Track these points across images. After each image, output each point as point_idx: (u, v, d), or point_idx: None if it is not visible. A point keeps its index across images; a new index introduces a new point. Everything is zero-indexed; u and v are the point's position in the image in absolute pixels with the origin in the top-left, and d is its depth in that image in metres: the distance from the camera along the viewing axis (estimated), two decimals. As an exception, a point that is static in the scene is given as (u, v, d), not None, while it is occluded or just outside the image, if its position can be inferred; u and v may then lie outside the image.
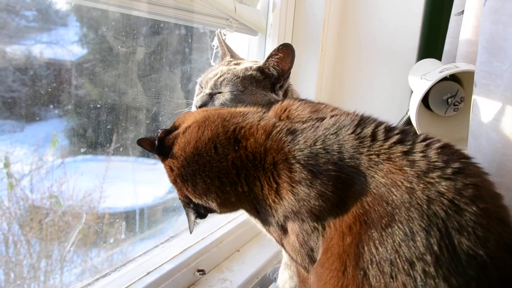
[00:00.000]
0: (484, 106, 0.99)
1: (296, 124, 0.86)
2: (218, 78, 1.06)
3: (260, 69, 1.07)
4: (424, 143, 0.76)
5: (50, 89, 1.07)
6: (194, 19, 1.27)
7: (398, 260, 0.68)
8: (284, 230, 0.86)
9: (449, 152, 0.74)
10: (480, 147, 1.00)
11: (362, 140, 0.78)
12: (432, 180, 0.70)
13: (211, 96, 1.06)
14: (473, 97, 1.03)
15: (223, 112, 0.93)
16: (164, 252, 1.22)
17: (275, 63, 1.05)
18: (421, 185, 0.70)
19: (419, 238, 0.67)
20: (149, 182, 1.39)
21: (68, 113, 1.13)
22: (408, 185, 0.71)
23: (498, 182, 0.92)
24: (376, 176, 0.74)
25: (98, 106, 1.17)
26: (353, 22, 1.80)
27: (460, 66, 1.27)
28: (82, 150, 1.17)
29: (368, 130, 0.79)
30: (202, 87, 1.10)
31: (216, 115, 0.92)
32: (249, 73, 1.06)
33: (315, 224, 0.79)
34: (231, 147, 0.86)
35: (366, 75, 1.81)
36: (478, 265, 0.66)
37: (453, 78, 1.39)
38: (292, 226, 0.83)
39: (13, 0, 0.93)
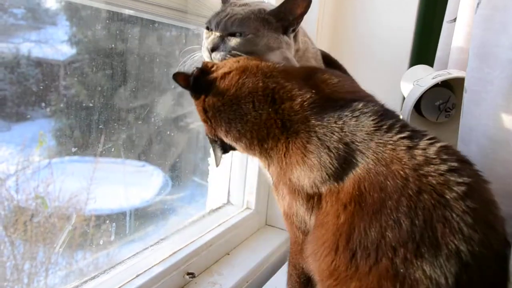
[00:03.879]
0: (474, 112, 0.99)
1: (329, 102, 0.88)
2: (229, 18, 1.01)
3: (274, 13, 1.03)
4: (428, 142, 0.78)
5: (38, 89, 1.05)
6: (187, 19, 1.26)
7: (383, 244, 0.70)
8: (283, 191, 0.90)
9: (450, 152, 0.77)
10: (470, 153, 1.00)
11: (379, 128, 0.81)
12: (426, 173, 0.72)
13: (222, 38, 1.02)
14: (464, 103, 1.03)
15: (263, 66, 0.94)
16: (153, 255, 1.21)
17: (290, 8, 1.02)
18: (416, 176, 0.72)
19: (404, 226, 0.69)
20: (137, 184, 1.38)
21: (56, 113, 1.11)
22: (404, 175, 0.73)
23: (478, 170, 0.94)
24: (378, 163, 0.76)
25: (87, 106, 1.16)
26: (346, 28, 1.80)
27: (453, 72, 1.28)
28: (73, 150, 1.15)
29: (387, 122, 0.82)
30: (210, 30, 1.05)
31: (256, 68, 0.93)
32: (262, 15, 1.02)
33: (313, 193, 0.83)
34: (267, 106, 0.89)
35: (358, 80, 1.81)
36: (459, 261, 0.67)
37: (445, 84, 1.40)
38: (291, 189, 0.87)
39: (1, -3, 0.92)
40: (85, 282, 1.06)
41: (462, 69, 1.30)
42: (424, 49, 1.69)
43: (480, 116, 0.97)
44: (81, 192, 1.21)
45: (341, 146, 0.80)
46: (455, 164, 0.74)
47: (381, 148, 0.78)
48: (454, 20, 1.39)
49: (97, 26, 1.16)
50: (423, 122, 1.43)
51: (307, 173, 0.83)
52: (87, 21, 1.16)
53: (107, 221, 1.27)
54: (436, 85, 1.31)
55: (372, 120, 0.82)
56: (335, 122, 0.83)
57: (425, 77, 1.33)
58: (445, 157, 0.75)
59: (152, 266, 1.16)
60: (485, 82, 0.95)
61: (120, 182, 1.35)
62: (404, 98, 1.44)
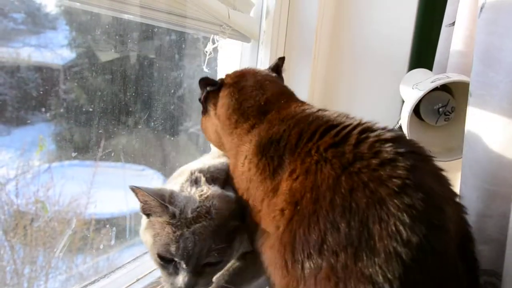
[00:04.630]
0: (479, 116, 0.99)
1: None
2: None
3: None
4: (359, 136, 0.74)
5: (38, 93, 1.06)
6: (187, 24, 1.27)
7: (325, 249, 0.65)
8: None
9: (384, 145, 0.71)
10: (477, 157, 1.00)
11: (307, 128, 0.81)
12: (356, 170, 0.68)
13: None
14: (469, 107, 1.03)
15: None
16: (154, 259, 1.20)
17: None
18: (346, 174, 0.68)
19: (341, 229, 0.64)
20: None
21: (56, 117, 1.11)
22: (334, 174, 0.69)
23: (494, 191, 0.93)
24: (304, 163, 0.75)
25: (87, 110, 1.16)
26: (346, 31, 1.81)
27: (452, 76, 1.28)
28: (73, 154, 1.15)
29: (318, 121, 0.82)
30: None
31: None
32: None
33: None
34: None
35: (357, 84, 1.81)
36: (401, 263, 0.61)
37: (444, 88, 1.40)
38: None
39: (1, 1, 0.92)
40: (85, 286, 1.06)
41: (461, 73, 1.31)
42: (423, 53, 1.69)
43: (485, 120, 0.97)
44: (81, 196, 1.21)
45: (275, 150, 0.81)
46: (390, 156, 0.69)
47: (309, 151, 0.76)
48: (453, 24, 1.40)
49: (97, 30, 1.17)
50: (422, 125, 1.43)
51: (255, 177, 0.83)
52: (87, 25, 1.17)
53: (107, 225, 1.27)
54: (435, 89, 1.31)
55: (306, 126, 0.82)
56: (278, 131, 0.84)
57: (424, 80, 1.33)
58: (377, 150, 0.70)
59: (152, 270, 1.15)
60: (490, 86, 0.94)
61: (120, 186, 1.35)
62: (403, 102, 1.44)
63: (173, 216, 0.81)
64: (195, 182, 0.89)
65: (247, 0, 1.49)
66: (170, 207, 0.82)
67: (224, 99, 0.98)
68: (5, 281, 1.10)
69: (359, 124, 0.78)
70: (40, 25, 1.09)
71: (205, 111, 1.05)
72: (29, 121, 1.05)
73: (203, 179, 0.89)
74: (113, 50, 1.21)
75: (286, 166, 0.78)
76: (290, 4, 1.66)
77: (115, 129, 1.23)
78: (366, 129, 0.76)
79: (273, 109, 0.93)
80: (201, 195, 0.85)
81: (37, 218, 1.15)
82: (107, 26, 1.18)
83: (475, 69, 0.99)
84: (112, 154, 1.23)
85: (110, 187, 1.30)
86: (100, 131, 1.18)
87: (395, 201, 0.64)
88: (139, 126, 1.33)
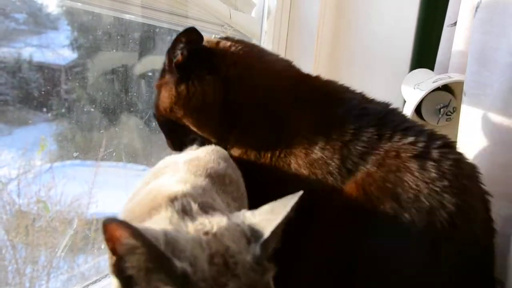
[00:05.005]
0: (473, 115, 0.99)
1: None
2: None
3: None
4: (439, 151, 0.74)
5: (39, 93, 1.06)
6: (188, 24, 1.27)
7: (392, 258, 0.69)
8: None
9: (462, 167, 0.74)
10: (469, 156, 1.00)
11: (381, 133, 0.77)
12: (438, 189, 0.69)
13: None
14: (463, 106, 1.03)
15: None
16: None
17: None
18: (427, 190, 0.69)
19: (413, 243, 0.68)
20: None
21: (58, 117, 1.12)
22: (415, 187, 0.69)
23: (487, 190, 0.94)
24: (384, 167, 0.72)
25: (89, 110, 1.17)
26: (347, 31, 1.81)
27: (453, 76, 1.28)
28: (75, 154, 1.15)
29: (389, 124, 0.80)
30: None
31: None
32: None
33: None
34: None
35: (359, 84, 1.79)
36: (460, 280, 0.69)
37: (446, 88, 1.40)
38: None
39: (3, 2, 0.93)
40: (87, 286, 1.06)
41: (463, 73, 1.30)
42: (425, 53, 1.69)
43: (479, 119, 0.97)
44: (82, 196, 1.21)
45: (336, 134, 0.79)
46: (466, 182, 0.72)
47: (386, 147, 0.74)
48: (455, 24, 1.39)
49: (98, 31, 1.17)
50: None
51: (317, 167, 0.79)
52: (88, 26, 1.17)
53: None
54: (437, 89, 1.31)
55: (374, 123, 0.80)
56: (343, 125, 0.81)
57: (426, 81, 1.33)
58: (457, 172, 0.72)
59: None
60: (484, 85, 0.95)
61: (121, 186, 1.35)
62: (405, 102, 1.44)
63: (184, 278, 0.45)
64: (184, 212, 0.53)
65: (249, 0, 1.49)
66: (177, 262, 0.45)
67: (241, 58, 0.88)
68: (7, 281, 1.10)
69: (438, 137, 0.78)
70: (41, 25, 1.09)
71: (186, 76, 0.86)
72: (30, 121, 1.05)
73: (194, 206, 0.54)
74: (114, 50, 1.21)
75: (359, 161, 0.75)
76: (291, 4, 1.66)
77: (116, 129, 1.23)
78: (447, 145, 0.77)
79: (303, 80, 0.93)
80: (206, 233, 0.50)
81: (38, 218, 1.15)
82: (108, 26, 1.18)
83: (470, 68, 1.00)
84: (114, 154, 1.23)
85: (111, 187, 1.30)
86: (101, 131, 1.19)
87: (466, 228, 0.69)
88: (140, 126, 1.33)
